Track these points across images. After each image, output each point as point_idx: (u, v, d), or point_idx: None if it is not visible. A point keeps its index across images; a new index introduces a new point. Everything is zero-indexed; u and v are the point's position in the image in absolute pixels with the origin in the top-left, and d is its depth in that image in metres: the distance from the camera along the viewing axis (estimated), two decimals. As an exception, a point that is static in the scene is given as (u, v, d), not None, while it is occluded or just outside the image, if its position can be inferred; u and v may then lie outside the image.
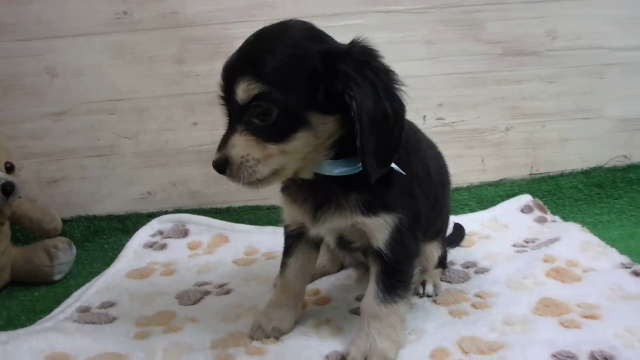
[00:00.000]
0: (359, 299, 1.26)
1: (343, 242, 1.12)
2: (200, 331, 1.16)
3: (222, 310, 1.27)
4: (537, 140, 2.11)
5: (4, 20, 1.93)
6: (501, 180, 2.11)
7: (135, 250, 1.70)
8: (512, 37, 2.04)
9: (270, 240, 1.71)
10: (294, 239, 1.19)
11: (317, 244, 1.21)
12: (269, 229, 1.85)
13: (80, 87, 2.00)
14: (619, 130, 2.13)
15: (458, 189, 2.06)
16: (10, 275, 1.63)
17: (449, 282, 1.41)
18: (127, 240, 1.76)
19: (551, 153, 2.12)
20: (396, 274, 1.07)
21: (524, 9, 2.02)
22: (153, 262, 1.61)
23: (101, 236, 1.94)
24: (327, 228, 1.07)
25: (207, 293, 1.38)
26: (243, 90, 0.93)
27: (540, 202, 1.95)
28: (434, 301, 1.29)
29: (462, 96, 2.06)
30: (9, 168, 1.64)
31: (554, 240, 1.60)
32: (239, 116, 0.96)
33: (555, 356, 1.00)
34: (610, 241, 1.58)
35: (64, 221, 1.87)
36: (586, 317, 1.16)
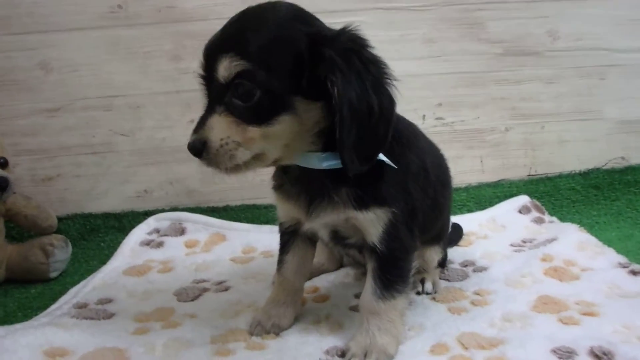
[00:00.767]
0: (358, 296, 1.27)
1: (337, 238, 1.13)
2: (199, 327, 1.17)
3: (221, 306, 1.28)
4: (536, 141, 2.14)
5: (-3, 13, 1.92)
6: (500, 180, 2.13)
7: (131, 248, 1.71)
8: (513, 37, 2.05)
9: (268, 238, 1.73)
10: (290, 236, 1.21)
11: (313, 240, 1.22)
12: (266, 227, 1.87)
13: (75, 82, 1.99)
14: (618, 132, 2.16)
15: (456, 190, 2.07)
16: (5, 272, 1.63)
17: (448, 280, 1.43)
18: (124, 239, 1.77)
19: (550, 154, 2.15)
20: (393, 270, 1.08)
21: (526, 9, 2.03)
22: (150, 260, 1.62)
23: (97, 234, 1.95)
24: (320, 223, 1.08)
25: (205, 290, 1.39)
26: (225, 68, 0.89)
27: (538, 203, 1.98)
28: (433, 298, 1.32)
29: (462, 96, 2.08)
30: (3, 164, 1.65)
31: (551, 240, 1.63)
32: (219, 96, 0.92)
33: (554, 351, 1.02)
34: (608, 242, 1.61)
35: (60, 219, 1.88)
36: (584, 314, 1.18)
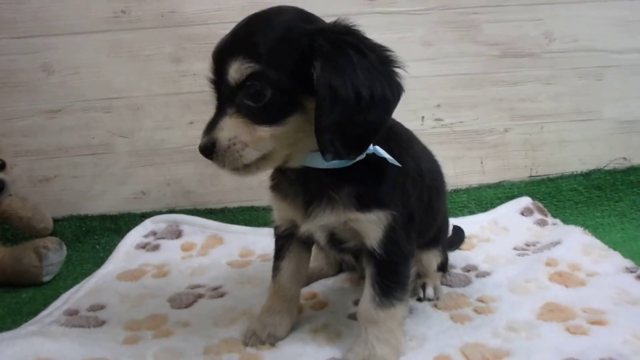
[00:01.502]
0: (357, 302, 1.20)
1: (334, 241, 1.06)
2: (192, 336, 1.09)
3: (216, 314, 1.20)
4: (535, 142, 2.07)
5: (1, 17, 1.87)
6: (500, 182, 2.06)
7: (127, 251, 1.63)
8: (509, 39, 2.00)
9: (265, 241, 1.63)
10: (285, 240, 1.13)
11: (308, 244, 1.15)
12: (264, 230, 1.78)
13: (76, 84, 1.94)
14: (618, 132, 2.09)
15: (457, 191, 2.01)
16: (-2, 276, 1.55)
17: (450, 285, 1.35)
18: (120, 241, 1.69)
19: (550, 155, 2.08)
20: (392, 276, 1.01)
21: (521, 11, 1.99)
22: (145, 264, 1.54)
23: (93, 236, 1.86)
24: (318, 225, 1.00)
25: (200, 296, 1.31)
26: (236, 70, 0.87)
27: (540, 205, 1.90)
28: (435, 305, 1.24)
29: (460, 97, 2.02)
30: (1, 166, 1.58)
31: (555, 244, 1.55)
32: (229, 98, 0.90)
33: (562, 363, 0.94)
34: (612, 244, 1.53)
35: (55, 220, 1.81)
36: (592, 322, 1.11)
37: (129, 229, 1.76)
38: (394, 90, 0.89)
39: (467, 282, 1.36)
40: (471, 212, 1.93)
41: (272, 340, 1.07)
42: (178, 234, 1.74)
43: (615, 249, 1.49)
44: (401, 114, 1.04)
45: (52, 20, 1.90)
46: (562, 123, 2.07)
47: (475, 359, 0.98)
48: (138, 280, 1.42)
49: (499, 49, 2.01)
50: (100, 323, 1.16)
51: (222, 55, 0.92)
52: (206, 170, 1.98)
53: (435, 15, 1.97)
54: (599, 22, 2.01)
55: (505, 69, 2.02)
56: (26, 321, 1.22)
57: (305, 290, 1.29)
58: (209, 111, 2.01)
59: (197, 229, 1.76)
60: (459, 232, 1.64)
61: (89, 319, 1.17)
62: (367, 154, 0.94)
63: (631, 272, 1.35)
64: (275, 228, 1.14)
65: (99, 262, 1.58)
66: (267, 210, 1.93)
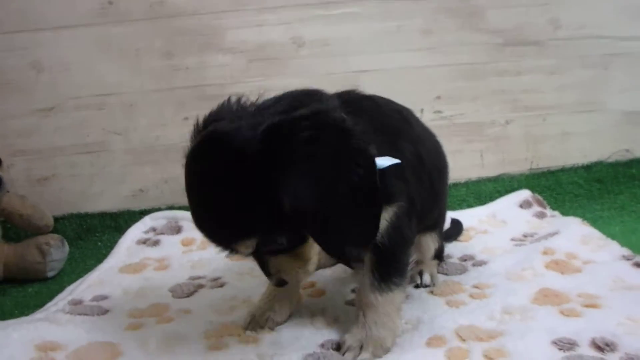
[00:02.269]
0: (355, 290, 1.30)
1: None
2: (194, 322, 1.18)
3: (216, 302, 1.29)
4: (537, 135, 2.13)
5: (-15, 13, 1.93)
6: (500, 175, 2.13)
7: (128, 246, 1.73)
8: (513, 27, 2.03)
9: (265, 236, 1.74)
10: None
11: None
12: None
13: (67, 82, 2.01)
14: (622, 123, 2.15)
15: (456, 185, 2.08)
16: (3, 272, 1.66)
17: (446, 274, 1.43)
18: (120, 238, 1.79)
19: (551, 147, 2.14)
20: (391, 262, 1.09)
21: (526, -3, 2.01)
22: (146, 258, 1.63)
23: (94, 234, 1.97)
24: None
25: (200, 286, 1.41)
26: (245, 248, 0.91)
27: (540, 198, 1.98)
28: (431, 292, 1.32)
29: (461, 88, 2.07)
30: (-3, 163, 1.67)
31: (553, 234, 1.62)
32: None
33: (555, 343, 1.02)
34: (611, 237, 1.59)
35: (56, 219, 1.89)
36: (587, 306, 1.17)
37: (128, 226, 1.86)
38: (364, 166, 0.85)
39: (463, 270, 1.44)
40: (470, 206, 2.01)
41: (271, 325, 1.16)
42: (178, 230, 1.83)
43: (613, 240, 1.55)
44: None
45: (38, 14, 1.95)
46: (565, 115, 2.12)
47: (470, 339, 1.06)
48: (140, 273, 1.51)
49: (502, 37, 2.03)
50: (104, 311, 1.26)
51: (216, 239, 0.92)
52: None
53: (434, 1, 1.99)
54: (607, 8, 2.04)
55: (509, 59, 2.05)
56: (33, 312, 1.32)
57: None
58: (204, 107, 2.07)
59: (196, 224, 1.86)
60: (457, 224, 1.72)
61: (92, 308, 1.26)
62: None
63: (628, 259, 1.42)
64: None
65: (101, 259, 1.68)
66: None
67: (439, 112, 2.10)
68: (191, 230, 1.82)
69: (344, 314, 1.21)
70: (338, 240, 0.88)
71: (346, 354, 1.04)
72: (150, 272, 1.54)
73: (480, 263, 1.49)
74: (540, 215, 1.87)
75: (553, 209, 1.95)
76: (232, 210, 0.86)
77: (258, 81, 2.05)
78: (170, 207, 2.03)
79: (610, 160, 2.14)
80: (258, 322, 1.16)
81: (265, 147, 0.83)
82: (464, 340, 1.07)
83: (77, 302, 1.31)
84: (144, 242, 1.76)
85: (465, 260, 1.53)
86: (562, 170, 2.13)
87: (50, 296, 1.43)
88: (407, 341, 1.08)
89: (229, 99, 1.00)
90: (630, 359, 0.95)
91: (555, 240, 1.57)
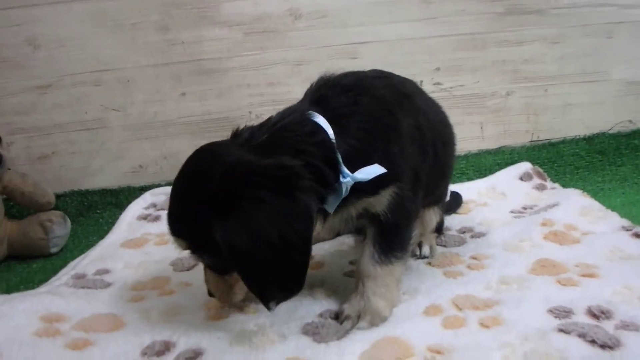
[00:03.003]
0: (353, 263, 1.31)
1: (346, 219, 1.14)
2: (194, 294, 1.21)
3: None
4: (538, 106, 2.12)
5: (-23, -11, 1.92)
6: (500, 147, 2.13)
7: (128, 222, 1.75)
8: None
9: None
10: None
11: None
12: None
13: (64, 58, 2.01)
14: (625, 94, 2.13)
15: (456, 157, 2.08)
16: (7, 249, 1.69)
17: (444, 246, 1.45)
18: (121, 214, 1.81)
19: (553, 119, 2.13)
20: (394, 236, 1.11)
21: (528, -38, 1.97)
22: (147, 233, 1.65)
23: (95, 210, 2.00)
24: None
25: (201, 260, 1.43)
26: (178, 245, 1.02)
27: (540, 170, 1.98)
28: (429, 263, 1.34)
29: (461, 59, 2.06)
30: (-3, 140, 1.68)
31: (552, 206, 1.63)
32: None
33: (551, 311, 1.03)
34: (612, 209, 1.60)
35: (57, 196, 1.92)
36: (584, 275, 1.19)
37: (129, 203, 1.88)
38: (302, 217, 0.92)
39: (461, 242, 1.46)
40: (469, 179, 2.02)
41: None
42: (177, 206, 1.85)
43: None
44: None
45: (32, -12, 1.92)
46: (567, 85, 2.11)
47: (466, 308, 1.08)
48: (141, 248, 1.54)
49: (503, 5, 2.01)
50: (107, 285, 1.29)
51: (167, 221, 1.03)
52: (201, 142, 2.05)
53: (434, -31, 1.96)
54: (610, -26, 2.01)
55: (510, 28, 2.03)
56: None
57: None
58: (201, 82, 2.08)
59: (196, 200, 1.87)
60: (456, 197, 1.73)
61: (95, 282, 1.29)
62: (348, 184, 1.00)
63: (627, 230, 1.42)
64: None
65: (102, 235, 1.71)
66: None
67: (439, 84, 2.09)
68: (191, 206, 1.85)
69: (343, 285, 1.23)
70: (261, 284, 0.93)
71: (344, 323, 1.06)
72: (151, 246, 1.56)
73: (479, 235, 1.50)
74: (541, 188, 1.87)
75: (554, 181, 1.95)
76: (180, 210, 0.99)
77: (255, 54, 2.05)
78: (170, 183, 2.01)
79: (612, 131, 2.14)
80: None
81: (224, 183, 0.92)
82: (460, 309, 1.09)
83: (80, 276, 1.34)
84: (144, 217, 1.78)
85: (463, 232, 1.55)
86: (564, 142, 2.12)
87: (54, 271, 1.46)
88: (404, 310, 1.10)
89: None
90: (625, 326, 0.96)
91: (555, 211, 1.58)
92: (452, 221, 1.62)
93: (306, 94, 1.12)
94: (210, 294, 1.10)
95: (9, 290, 1.41)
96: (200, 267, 1.36)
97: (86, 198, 2.03)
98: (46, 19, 1.97)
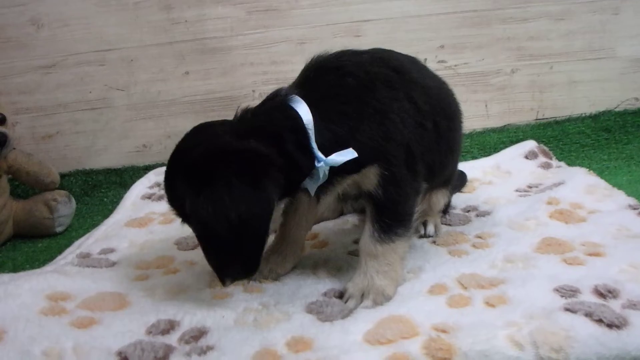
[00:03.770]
0: (357, 241, 1.27)
1: (340, 197, 1.13)
2: (198, 273, 1.19)
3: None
4: (543, 83, 2.07)
5: (-19, -31, 1.88)
6: (505, 125, 2.09)
7: (133, 201, 1.72)
8: None
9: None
10: None
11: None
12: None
13: (67, 37, 1.98)
14: (632, 71, 2.08)
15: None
16: (13, 229, 1.67)
17: (449, 225, 1.42)
18: (125, 193, 1.78)
19: (558, 97, 2.09)
20: (391, 214, 1.07)
21: None
22: (151, 212, 1.63)
23: (100, 190, 1.98)
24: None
25: (205, 239, 1.40)
26: (172, 211, 1.07)
27: (545, 148, 1.93)
28: (434, 242, 1.31)
29: (465, 37, 2.01)
30: (1, 120, 1.65)
31: (558, 184, 1.60)
32: None
33: (557, 290, 1.00)
34: (618, 187, 1.56)
35: (62, 176, 1.90)
36: (590, 254, 1.16)
37: (133, 182, 1.85)
38: (263, 204, 0.96)
39: (466, 221, 1.43)
40: (474, 157, 1.98)
41: (274, 276, 1.16)
42: (181, 185, 1.82)
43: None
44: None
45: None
46: (572, 62, 2.06)
47: (471, 287, 1.06)
48: (145, 227, 1.51)
49: None
50: (112, 264, 1.27)
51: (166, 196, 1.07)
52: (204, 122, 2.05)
53: (437, -56, 1.90)
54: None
55: (515, 4, 1.98)
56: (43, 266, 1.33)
57: (307, 232, 1.37)
58: (204, 61, 2.06)
59: (200, 179, 1.85)
60: (461, 176, 1.69)
61: (100, 261, 1.27)
62: (324, 168, 1.01)
63: (634, 208, 1.39)
64: None
65: (107, 214, 1.68)
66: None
67: (443, 61, 2.04)
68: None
69: (347, 264, 1.21)
70: (218, 260, 0.99)
71: (348, 302, 1.04)
72: (156, 225, 1.53)
73: (484, 213, 1.47)
74: (546, 166, 1.83)
75: (559, 159, 1.91)
76: (169, 181, 1.04)
77: (259, 33, 2.01)
78: (174, 163, 2.02)
79: (618, 109, 2.09)
80: (261, 272, 1.16)
81: (202, 161, 0.98)
82: (465, 287, 1.06)
83: (85, 256, 1.32)
84: (148, 197, 1.75)
85: (468, 211, 1.51)
86: (569, 119, 2.08)
87: (59, 250, 1.44)
88: (409, 289, 1.08)
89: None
90: (632, 305, 0.94)
91: (560, 190, 1.54)
92: (457, 200, 1.58)
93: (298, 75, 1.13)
94: None
95: (14, 269, 1.40)
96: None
97: (90, 177, 2.01)
98: (49, -2, 1.92)
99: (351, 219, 1.50)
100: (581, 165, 1.84)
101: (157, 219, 1.58)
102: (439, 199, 1.35)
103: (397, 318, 0.95)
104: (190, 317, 0.99)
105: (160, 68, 2.02)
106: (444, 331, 0.91)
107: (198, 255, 1.29)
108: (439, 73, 1.95)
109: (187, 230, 1.44)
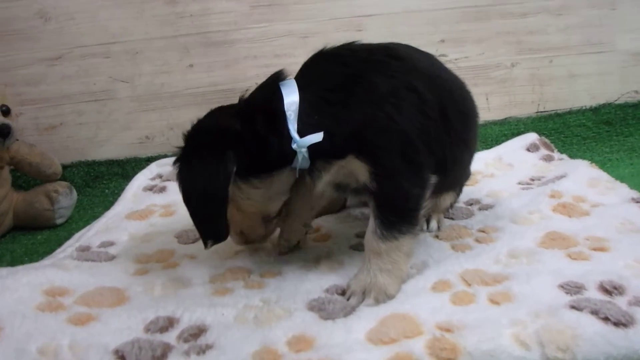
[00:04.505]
0: (360, 235, 1.22)
1: (339, 187, 1.07)
2: (199, 267, 1.13)
3: (221, 248, 1.20)
4: (544, 77, 2.01)
5: (-11, -38, 1.83)
6: (506, 118, 2.03)
7: (134, 193, 1.66)
8: None
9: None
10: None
11: None
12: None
13: (73, 30, 1.93)
14: (631, 64, 2.02)
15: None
16: (13, 220, 1.61)
17: (452, 218, 1.34)
18: (127, 185, 1.71)
19: (559, 90, 2.02)
20: (393, 210, 1.00)
21: None
22: (152, 205, 1.56)
23: (101, 181, 1.92)
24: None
25: (206, 232, 1.34)
26: None
27: (547, 140, 1.86)
28: (437, 236, 1.24)
29: (465, 31, 1.96)
30: (5, 111, 1.59)
31: (561, 177, 1.52)
32: None
33: (562, 286, 0.94)
34: (620, 179, 1.49)
35: (64, 167, 1.84)
36: (594, 249, 1.10)
37: (135, 174, 1.78)
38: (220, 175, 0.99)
39: (469, 214, 1.36)
40: (476, 150, 1.90)
41: (284, 248, 1.19)
42: (184, 177, 1.75)
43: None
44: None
45: (40, -38, 1.84)
46: (572, 56, 2.00)
47: (475, 283, 0.99)
48: (146, 220, 1.45)
49: None
50: (111, 258, 1.20)
51: None
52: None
53: (437, -63, 1.85)
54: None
55: (513, 0, 1.93)
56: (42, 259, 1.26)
57: (309, 225, 1.31)
58: (208, 54, 2.01)
59: (202, 171, 1.78)
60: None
61: (100, 254, 1.20)
62: (302, 150, 0.99)
63: (637, 202, 1.32)
64: None
65: (108, 206, 1.61)
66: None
67: (444, 55, 1.97)
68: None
69: (349, 258, 1.14)
70: (198, 225, 1.05)
71: (350, 299, 0.97)
72: (157, 218, 1.47)
73: (487, 207, 1.39)
74: (548, 159, 1.76)
75: (561, 152, 1.84)
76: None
77: (262, 27, 1.97)
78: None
79: (618, 102, 2.03)
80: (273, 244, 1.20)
81: (192, 137, 1.07)
82: (469, 284, 1.00)
83: (84, 249, 1.25)
84: (150, 188, 1.68)
85: (471, 204, 1.44)
86: (570, 112, 2.01)
87: (59, 243, 1.38)
88: (412, 286, 1.01)
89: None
90: (638, 302, 0.88)
91: (563, 183, 1.46)
92: (459, 193, 1.51)
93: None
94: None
95: (13, 261, 1.34)
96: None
97: (93, 169, 1.95)
98: (56, -9, 1.88)
99: (354, 213, 1.43)
100: (583, 157, 1.76)
101: (158, 211, 1.51)
102: (446, 200, 1.29)
103: (401, 316, 0.89)
104: (189, 314, 0.93)
105: (165, 61, 1.96)
106: (448, 330, 0.85)
107: (199, 249, 1.23)
108: (441, 66, 1.96)
109: (188, 223, 1.40)
